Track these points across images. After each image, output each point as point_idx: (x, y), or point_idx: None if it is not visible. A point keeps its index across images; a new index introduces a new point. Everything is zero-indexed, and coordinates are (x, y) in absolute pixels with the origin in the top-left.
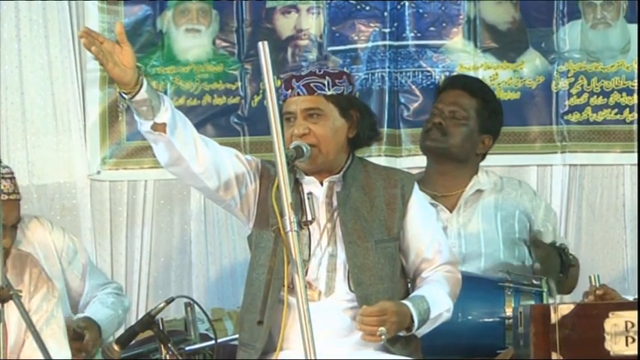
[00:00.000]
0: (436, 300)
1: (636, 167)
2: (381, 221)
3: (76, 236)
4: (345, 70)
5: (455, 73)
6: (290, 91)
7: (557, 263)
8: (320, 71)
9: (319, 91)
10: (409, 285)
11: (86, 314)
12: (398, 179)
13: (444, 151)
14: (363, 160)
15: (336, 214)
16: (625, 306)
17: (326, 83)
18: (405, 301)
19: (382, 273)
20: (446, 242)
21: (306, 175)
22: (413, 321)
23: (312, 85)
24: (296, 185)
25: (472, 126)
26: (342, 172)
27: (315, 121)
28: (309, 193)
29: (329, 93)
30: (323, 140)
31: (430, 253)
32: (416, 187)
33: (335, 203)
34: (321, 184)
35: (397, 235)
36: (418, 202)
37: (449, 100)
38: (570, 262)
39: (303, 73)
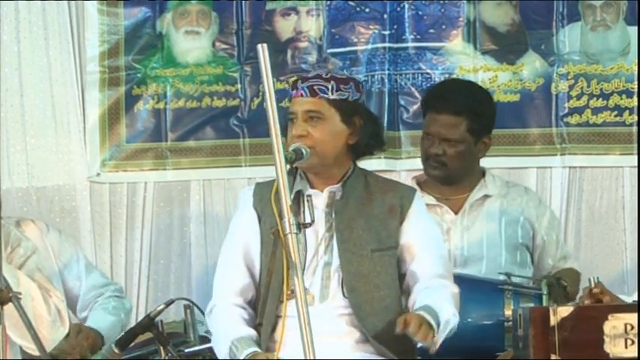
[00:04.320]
0: (441, 307)
1: (636, 169)
2: (378, 231)
3: (75, 238)
4: (355, 77)
5: (441, 80)
6: (294, 91)
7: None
8: (327, 75)
9: (322, 94)
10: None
11: (89, 324)
12: (398, 191)
13: (447, 178)
14: (364, 171)
15: (333, 223)
16: (624, 308)
17: (330, 87)
18: (418, 312)
19: (378, 281)
20: (443, 256)
21: (311, 187)
22: (432, 327)
23: (315, 87)
24: (297, 196)
25: (467, 143)
26: (342, 182)
27: (315, 124)
28: (309, 196)
29: (332, 97)
30: (320, 143)
31: (426, 265)
32: (416, 199)
33: (334, 213)
34: (322, 193)
35: (394, 244)
36: (418, 213)
37: (437, 126)
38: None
39: (310, 75)
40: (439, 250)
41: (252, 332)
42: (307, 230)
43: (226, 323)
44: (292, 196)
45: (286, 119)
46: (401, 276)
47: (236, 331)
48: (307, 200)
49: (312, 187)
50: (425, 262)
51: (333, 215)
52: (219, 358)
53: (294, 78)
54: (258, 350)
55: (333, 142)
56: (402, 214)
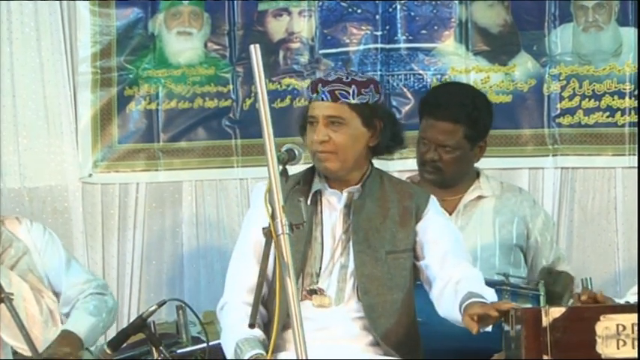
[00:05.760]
0: (482, 291)
1: (628, 170)
2: (393, 233)
3: (67, 239)
4: (373, 77)
5: (437, 83)
6: (315, 94)
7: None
8: (347, 78)
9: (343, 99)
10: (430, 292)
11: (67, 327)
12: (413, 193)
13: (442, 183)
14: (380, 172)
15: (351, 224)
16: (616, 309)
17: (351, 92)
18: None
19: (391, 283)
20: (464, 251)
21: (330, 187)
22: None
23: (336, 92)
24: (315, 196)
25: (463, 149)
26: (360, 183)
27: (336, 129)
28: (300, 200)
29: (353, 102)
30: (341, 149)
31: (447, 259)
32: (432, 201)
33: (351, 214)
34: (341, 194)
35: (410, 247)
36: (434, 213)
37: (434, 133)
38: (560, 282)
39: (330, 79)
40: (457, 235)
41: (259, 333)
42: (325, 231)
43: (234, 323)
44: (310, 197)
45: (304, 120)
46: (423, 274)
47: (242, 332)
48: (299, 201)
49: (330, 187)
50: (445, 250)
51: (351, 216)
52: (227, 356)
53: (313, 80)
54: (262, 352)
55: (354, 147)
56: (417, 216)
